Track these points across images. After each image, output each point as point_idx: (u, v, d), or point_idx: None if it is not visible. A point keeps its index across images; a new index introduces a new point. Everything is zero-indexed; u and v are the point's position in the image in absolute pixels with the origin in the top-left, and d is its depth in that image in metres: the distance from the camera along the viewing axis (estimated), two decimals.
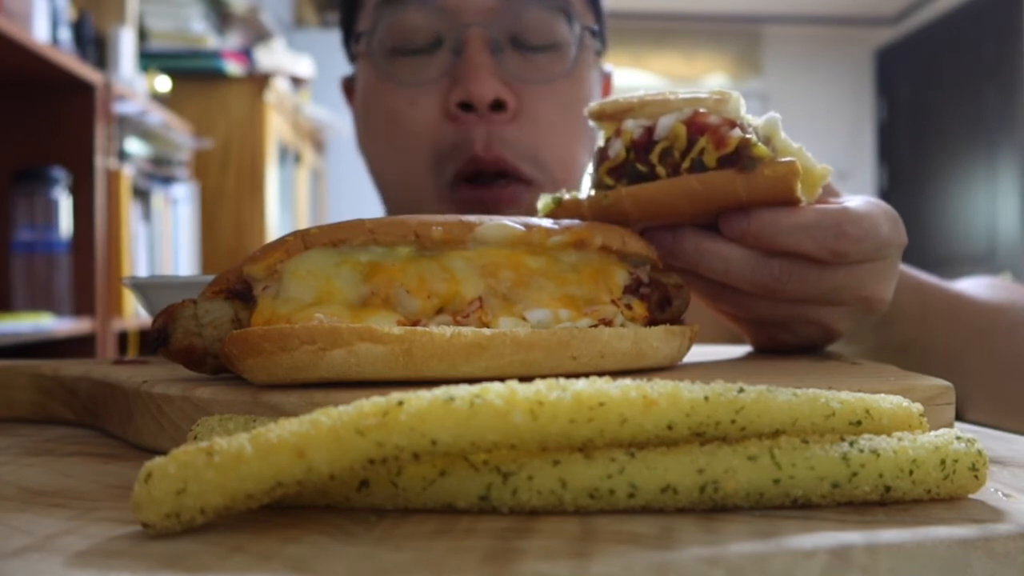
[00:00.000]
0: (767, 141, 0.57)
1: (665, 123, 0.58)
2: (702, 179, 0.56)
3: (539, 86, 0.93)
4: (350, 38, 1.03)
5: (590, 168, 0.63)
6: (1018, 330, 0.87)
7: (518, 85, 0.92)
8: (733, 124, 0.57)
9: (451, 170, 0.92)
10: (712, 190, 0.56)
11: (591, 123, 0.64)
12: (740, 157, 0.56)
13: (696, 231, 0.59)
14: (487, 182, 0.92)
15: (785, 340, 0.67)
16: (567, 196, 0.62)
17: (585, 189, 0.62)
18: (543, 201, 0.62)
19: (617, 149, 0.60)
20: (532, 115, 0.93)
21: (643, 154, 0.59)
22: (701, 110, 0.58)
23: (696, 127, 0.57)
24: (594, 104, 0.63)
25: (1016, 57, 5.40)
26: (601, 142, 0.62)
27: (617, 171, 0.60)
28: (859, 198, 0.60)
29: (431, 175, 0.94)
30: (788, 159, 0.56)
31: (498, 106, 0.90)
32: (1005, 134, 5.52)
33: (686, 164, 0.57)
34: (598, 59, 1.02)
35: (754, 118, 0.59)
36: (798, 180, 0.56)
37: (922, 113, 6.38)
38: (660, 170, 0.58)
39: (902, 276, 0.75)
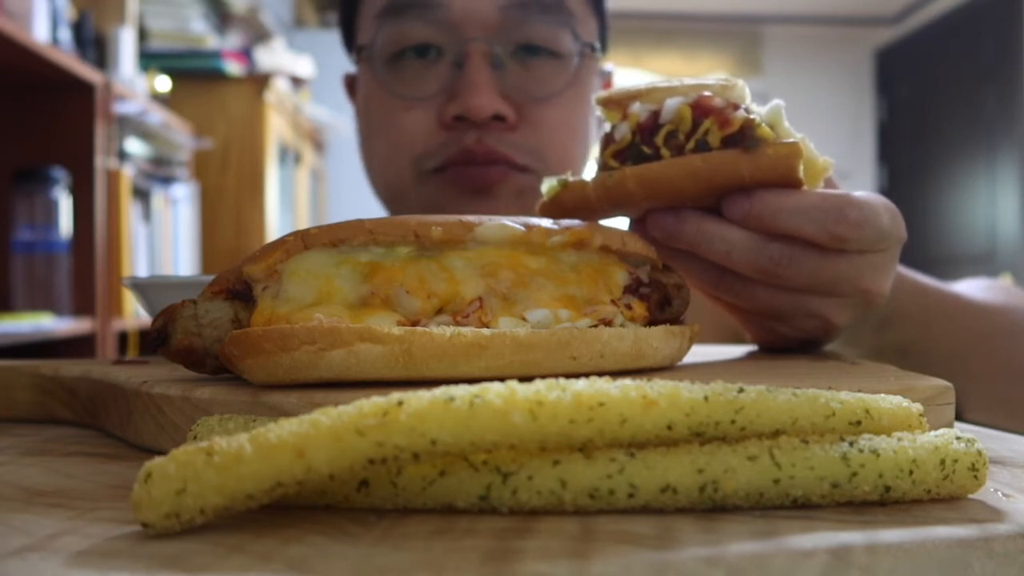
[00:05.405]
0: (771, 128, 0.57)
1: (671, 105, 0.58)
2: (706, 158, 0.56)
3: (540, 98, 0.93)
4: (351, 45, 1.04)
5: (596, 152, 0.63)
6: (1018, 333, 0.87)
7: (519, 98, 0.92)
8: (737, 107, 0.57)
9: (439, 159, 0.92)
10: (715, 169, 0.56)
11: (598, 112, 0.64)
12: (744, 137, 0.56)
13: (698, 213, 0.59)
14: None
15: (784, 334, 0.66)
16: (572, 179, 0.61)
17: (590, 173, 0.62)
18: (547, 184, 0.62)
19: (623, 132, 0.60)
20: (533, 124, 0.93)
21: (648, 137, 0.59)
22: (706, 94, 0.58)
23: (701, 109, 0.57)
24: (602, 92, 0.63)
25: (1016, 57, 5.40)
26: (607, 128, 0.62)
27: (622, 154, 0.60)
28: (861, 191, 0.60)
29: (415, 166, 0.94)
30: (791, 140, 0.56)
31: (498, 119, 0.90)
32: (1005, 134, 5.52)
33: (690, 145, 0.57)
34: (599, 65, 1.02)
35: (758, 106, 0.59)
36: (801, 161, 0.56)
37: (922, 113, 6.38)
38: (665, 152, 0.58)
39: (902, 278, 0.75)
